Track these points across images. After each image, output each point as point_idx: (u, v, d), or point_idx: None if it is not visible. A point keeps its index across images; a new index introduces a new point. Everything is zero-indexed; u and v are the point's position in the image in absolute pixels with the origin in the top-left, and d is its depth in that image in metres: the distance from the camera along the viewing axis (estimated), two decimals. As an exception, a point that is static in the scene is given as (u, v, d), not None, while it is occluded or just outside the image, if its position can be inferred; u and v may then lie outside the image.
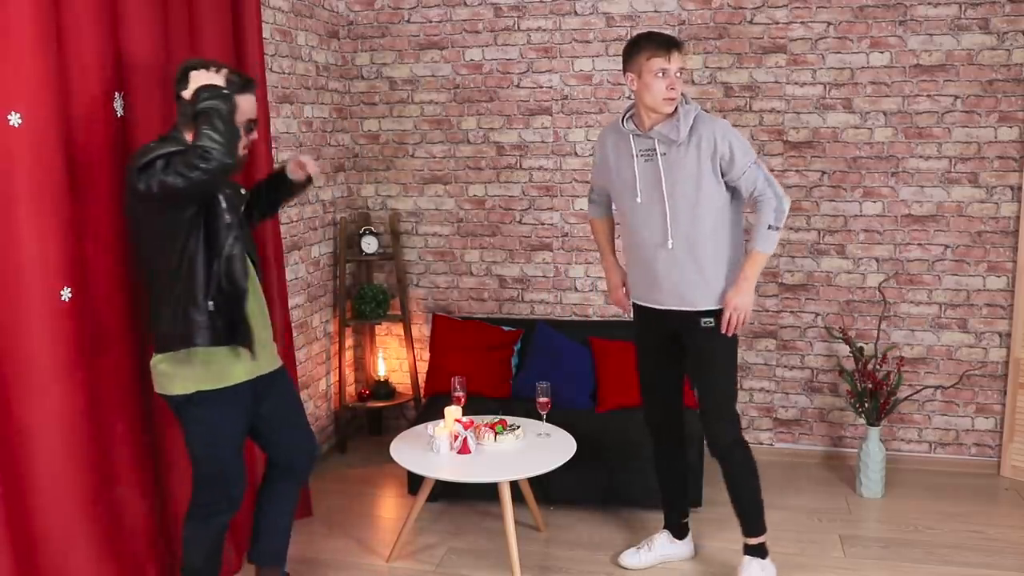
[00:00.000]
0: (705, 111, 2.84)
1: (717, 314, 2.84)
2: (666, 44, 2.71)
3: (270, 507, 2.80)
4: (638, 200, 2.84)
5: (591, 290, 4.39)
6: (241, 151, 2.42)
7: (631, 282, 3.04)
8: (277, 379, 2.68)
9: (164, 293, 2.39)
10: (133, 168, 2.27)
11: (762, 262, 2.82)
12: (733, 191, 2.80)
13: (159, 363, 2.44)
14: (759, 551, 3.03)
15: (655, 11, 4.11)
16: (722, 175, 2.76)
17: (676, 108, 2.76)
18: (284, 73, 3.90)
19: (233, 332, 2.44)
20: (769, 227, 2.76)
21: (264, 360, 2.59)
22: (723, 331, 2.82)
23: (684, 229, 2.79)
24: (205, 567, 2.65)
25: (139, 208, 2.34)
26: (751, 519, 3.01)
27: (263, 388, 2.61)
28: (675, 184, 2.77)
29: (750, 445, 3.01)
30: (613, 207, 3.11)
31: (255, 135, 2.53)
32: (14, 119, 2.29)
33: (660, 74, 2.70)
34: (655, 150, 2.79)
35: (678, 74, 2.72)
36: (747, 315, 2.81)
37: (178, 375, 2.41)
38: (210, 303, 2.38)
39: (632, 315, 3.10)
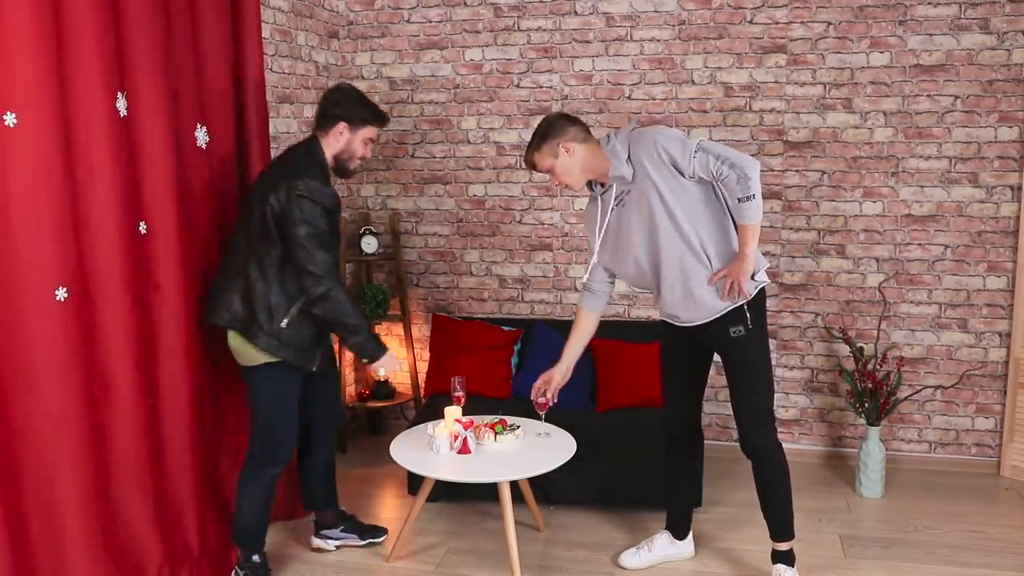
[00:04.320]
0: (641, 126, 2.85)
1: (743, 321, 2.80)
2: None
3: (317, 456, 3.22)
4: (629, 253, 2.83)
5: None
6: (354, 166, 2.98)
7: (659, 308, 2.98)
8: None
9: None
10: (298, 223, 2.74)
11: (753, 233, 2.72)
12: (704, 189, 2.76)
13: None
14: (788, 558, 3.01)
15: (655, 11, 4.11)
16: (682, 175, 2.71)
17: (608, 154, 2.78)
18: (284, 73, 3.91)
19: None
20: (739, 200, 2.68)
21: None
22: (721, 296, 2.77)
23: (678, 255, 2.75)
24: (253, 525, 2.97)
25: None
26: (783, 523, 2.98)
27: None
28: (649, 216, 2.74)
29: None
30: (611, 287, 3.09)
31: (368, 151, 2.99)
32: (9, 119, 2.29)
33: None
34: (618, 197, 2.81)
35: (550, 175, 2.86)
36: (741, 279, 2.73)
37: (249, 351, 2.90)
38: None
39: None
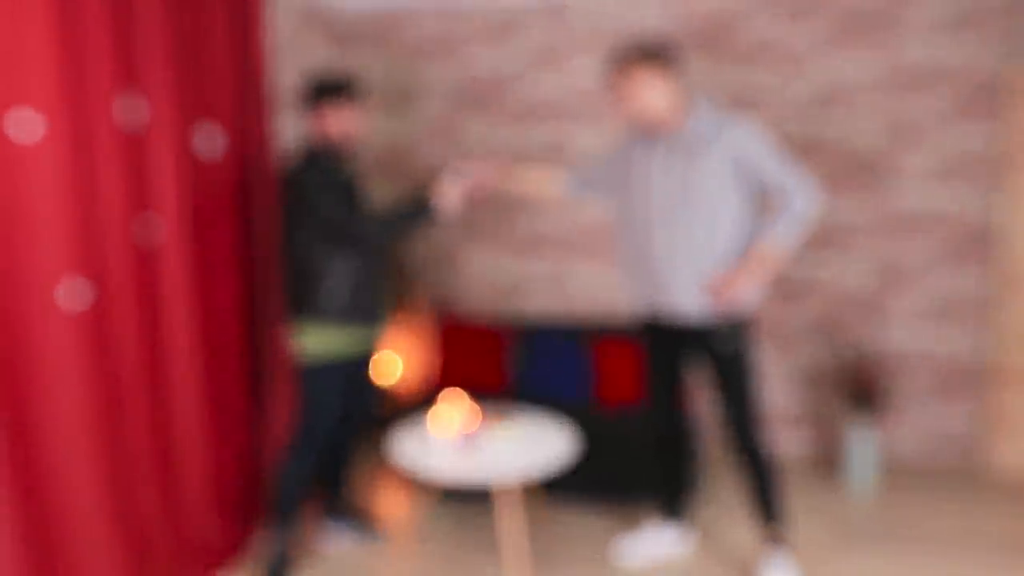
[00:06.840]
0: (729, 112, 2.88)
1: (738, 342, 2.88)
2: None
3: (337, 441, 3.39)
4: (646, 204, 2.86)
5: (591, 290, 4.46)
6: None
7: (636, 292, 3.03)
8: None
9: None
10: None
11: (767, 255, 2.76)
12: (755, 197, 2.81)
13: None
14: (782, 555, 3.08)
15: (653, 17, 4.17)
16: (745, 176, 2.75)
17: (691, 111, 2.78)
18: (287, 77, 3.95)
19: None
20: (783, 223, 2.74)
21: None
22: (710, 287, 2.84)
23: (693, 235, 2.79)
24: (286, 505, 3.12)
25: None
26: (776, 521, 3.06)
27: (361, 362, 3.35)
28: (688, 189, 2.76)
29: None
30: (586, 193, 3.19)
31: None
32: (33, 120, 2.34)
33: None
34: (672, 153, 2.80)
35: (624, 92, 2.77)
36: (736, 284, 2.76)
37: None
38: None
39: (642, 324, 3.13)
